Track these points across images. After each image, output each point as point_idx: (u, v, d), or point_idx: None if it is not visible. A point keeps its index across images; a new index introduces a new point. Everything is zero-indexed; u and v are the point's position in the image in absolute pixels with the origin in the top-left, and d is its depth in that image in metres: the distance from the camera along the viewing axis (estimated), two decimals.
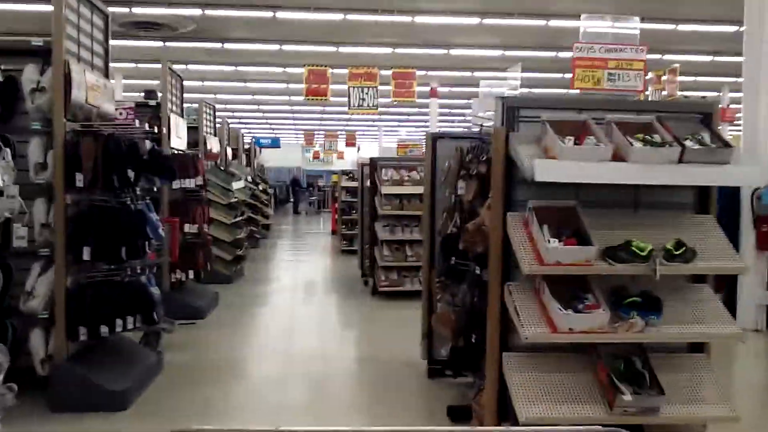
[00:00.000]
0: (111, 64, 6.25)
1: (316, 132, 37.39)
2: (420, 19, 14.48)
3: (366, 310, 9.56)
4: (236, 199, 12.43)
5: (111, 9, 6.19)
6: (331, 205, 25.43)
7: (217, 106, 14.03)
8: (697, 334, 3.87)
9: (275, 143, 34.88)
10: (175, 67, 9.72)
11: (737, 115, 19.65)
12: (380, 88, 16.44)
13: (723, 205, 4.71)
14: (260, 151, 29.02)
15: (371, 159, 11.35)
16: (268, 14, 14.10)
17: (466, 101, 23.54)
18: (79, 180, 5.12)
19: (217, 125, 12.80)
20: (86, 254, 5.16)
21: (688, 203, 4.18)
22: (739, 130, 9.97)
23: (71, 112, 5.19)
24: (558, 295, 3.69)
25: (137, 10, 13.81)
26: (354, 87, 16.32)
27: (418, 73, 17.81)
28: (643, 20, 6.57)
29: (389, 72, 17.23)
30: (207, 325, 8.26)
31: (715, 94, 22.08)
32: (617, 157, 3.77)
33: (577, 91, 5.99)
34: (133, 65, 19.12)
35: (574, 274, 3.73)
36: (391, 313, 9.21)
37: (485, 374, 4.03)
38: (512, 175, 3.96)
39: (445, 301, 5.25)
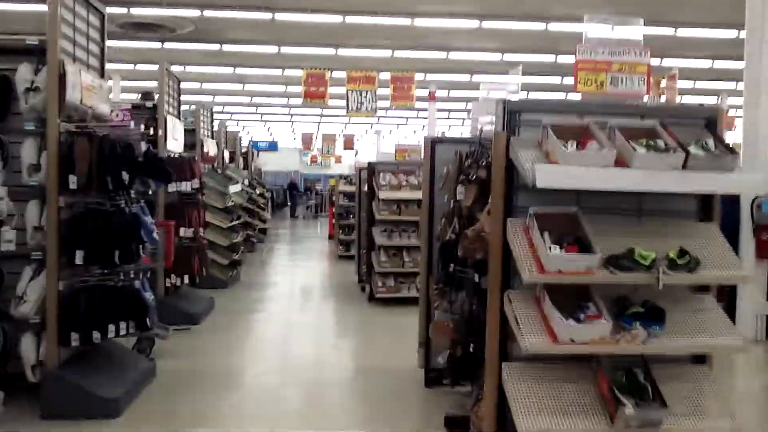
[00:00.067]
0: (108, 65, 6.19)
1: (313, 135, 37.36)
2: (419, 22, 14.42)
3: (363, 317, 9.47)
4: (233, 203, 12.34)
5: (109, 9, 6.14)
6: (329, 209, 25.35)
7: (215, 108, 13.97)
8: (701, 345, 3.79)
9: (273, 146, 34.85)
10: (173, 68, 9.65)
11: (736, 120, 19.61)
12: (379, 91, 16.41)
13: (722, 213, 4.65)
14: (258, 155, 29.00)
15: (369, 163, 11.24)
16: (267, 16, 14.03)
17: (465, 104, 23.52)
18: (73, 182, 5.05)
19: (215, 128, 12.73)
20: (79, 258, 5.09)
21: (690, 211, 4.10)
22: (738, 137, 9.89)
23: (66, 112, 5.12)
24: (559, 303, 3.61)
25: (135, 11, 13.76)
26: (352, 90, 16.29)
27: (417, 76, 17.77)
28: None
29: (388, 76, 17.18)
30: (202, 331, 8.17)
31: (713, 100, 22.04)
32: (620, 162, 3.68)
33: (578, 95, 5.91)
34: (130, 66, 19.06)
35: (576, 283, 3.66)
36: (388, 321, 9.12)
37: (484, 384, 3.96)
38: (512, 180, 3.88)
39: (443, 309, 5.17)
